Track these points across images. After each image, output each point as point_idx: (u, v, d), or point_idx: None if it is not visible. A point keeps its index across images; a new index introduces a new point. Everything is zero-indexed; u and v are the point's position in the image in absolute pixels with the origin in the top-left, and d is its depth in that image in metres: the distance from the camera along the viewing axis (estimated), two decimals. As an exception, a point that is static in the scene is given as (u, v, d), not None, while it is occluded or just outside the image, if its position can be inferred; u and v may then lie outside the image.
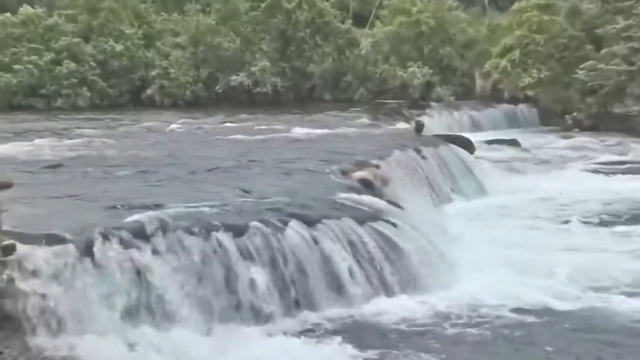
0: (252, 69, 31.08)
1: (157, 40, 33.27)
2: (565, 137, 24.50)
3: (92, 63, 30.80)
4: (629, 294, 8.52)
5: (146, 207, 8.43)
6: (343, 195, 9.95)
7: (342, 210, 9.30)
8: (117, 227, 7.49)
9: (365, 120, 22.85)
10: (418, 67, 29.93)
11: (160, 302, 7.14)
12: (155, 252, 7.36)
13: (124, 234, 7.36)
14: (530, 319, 7.86)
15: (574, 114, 26.57)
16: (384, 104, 29.27)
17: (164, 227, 7.66)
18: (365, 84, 31.67)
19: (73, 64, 30.17)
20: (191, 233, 7.71)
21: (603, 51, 25.19)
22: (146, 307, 7.09)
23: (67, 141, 16.89)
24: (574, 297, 8.42)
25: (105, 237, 7.21)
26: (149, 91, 31.25)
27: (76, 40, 30.86)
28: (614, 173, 17.23)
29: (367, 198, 10.06)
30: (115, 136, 18.26)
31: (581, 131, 25.36)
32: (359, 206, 9.63)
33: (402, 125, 22.72)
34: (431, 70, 30.34)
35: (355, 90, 31.66)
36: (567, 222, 12.43)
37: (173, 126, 21.10)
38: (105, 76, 31.28)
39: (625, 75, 24.39)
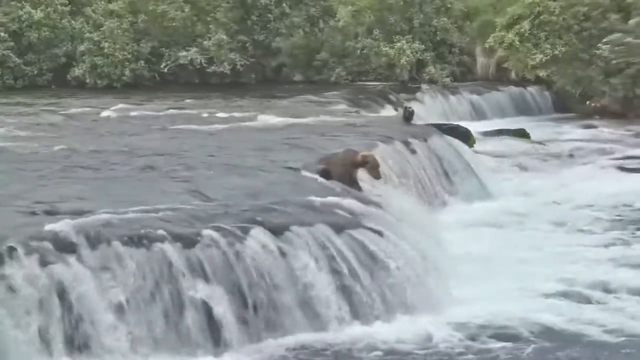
0: (205, 43, 30.94)
1: (87, 7, 32.95)
2: (584, 127, 24.94)
3: (2, 34, 30.34)
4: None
5: (73, 213, 8.37)
6: (317, 196, 9.99)
7: (315, 214, 9.34)
8: (35, 237, 7.43)
9: (343, 106, 22.97)
10: (407, 42, 30.10)
11: (91, 331, 7.11)
12: (83, 267, 7.31)
13: (44, 246, 7.30)
14: (539, 349, 7.98)
15: (595, 98, 26.98)
16: (365, 86, 29.42)
17: (94, 237, 7.62)
18: (344, 62, 31.76)
19: (-23, 35, 29.65)
20: (129, 244, 7.69)
21: (632, 21, 25.49)
22: (72, 337, 7.05)
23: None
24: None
25: (20, 250, 7.14)
26: (76, 70, 30.93)
27: (-19, 4, 30.36)
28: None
29: (346, 200, 10.12)
30: (33, 126, 18.08)
31: (604, 119, 25.78)
32: (336, 210, 9.69)
33: (387, 112, 22.93)
34: (423, 46, 30.54)
35: (331, 70, 31.74)
36: (583, 231, 12.63)
37: (107, 113, 20.98)
38: (20, 51, 30.82)
39: (658, 51, 24.79)
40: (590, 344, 8.06)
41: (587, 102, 27.42)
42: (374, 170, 11.05)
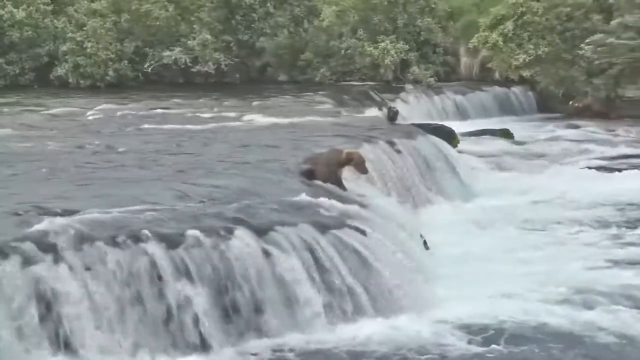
0: (190, 43, 30.88)
1: (69, 6, 32.76)
2: (567, 127, 25.09)
3: (-17, 34, 30.19)
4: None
5: (57, 213, 8.32)
6: (301, 196, 9.98)
7: (299, 214, 9.33)
8: (18, 238, 7.39)
9: (327, 106, 23.02)
10: (391, 43, 30.16)
11: (74, 331, 7.07)
12: (66, 268, 7.27)
13: (27, 247, 7.25)
14: (523, 347, 8.00)
15: (578, 98, 27.14)
16: (350, 86, 29.44)
17: (78, 238, 7.58)
18: (328, 62, 31.79)
19: (-41, 34, 29.44)
20: (113, 244, 7.66)
21: (614, 22, 25.66)
22: (55, 337, 7.02)
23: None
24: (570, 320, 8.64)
25: (2, 250, 7.08)
26: (59, 70, 30.75)
27: (-38, 4, 30.12)
28: (626, 169, 17.65)
29: (331, 200, 10.11)
30: (15, 125, 17.95)
31: (587, 119, 25.95)
32: (321, 210, 9.68)
33: (372, 112, 22.90)
34: (407, 46, 30.61)
35: (315, 70, 31.76)
36: (570, 231, 12.68)
37: (92, 113, 20.85)
38: (2, 50, 30.65)
39: (640, 52, 24.95)
40: (585, 345, 8.07)
41: (570, 102, 27.62)
42: (360, 166, 11.05)
